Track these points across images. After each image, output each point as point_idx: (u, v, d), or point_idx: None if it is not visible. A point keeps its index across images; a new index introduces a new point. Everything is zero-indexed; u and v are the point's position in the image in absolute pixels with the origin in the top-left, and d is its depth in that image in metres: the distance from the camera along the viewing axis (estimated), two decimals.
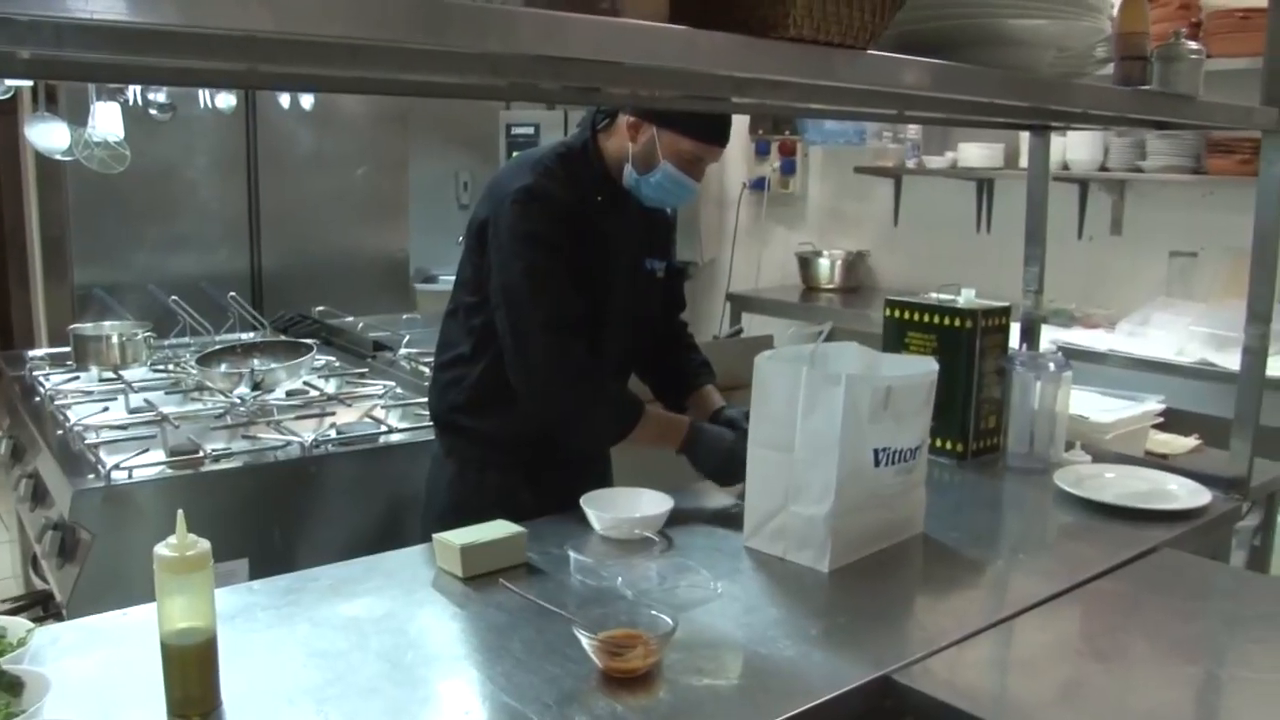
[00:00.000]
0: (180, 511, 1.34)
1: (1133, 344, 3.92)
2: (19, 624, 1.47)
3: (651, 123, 2.10)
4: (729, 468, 2.13)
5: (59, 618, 2.24)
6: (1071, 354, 3.29)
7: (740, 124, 6.01)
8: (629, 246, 2.26)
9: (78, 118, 3.65)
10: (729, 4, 1.17)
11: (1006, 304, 2.57)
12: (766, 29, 1.15)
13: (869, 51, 1.31)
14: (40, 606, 2.69)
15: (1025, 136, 3.48)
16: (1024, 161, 3.47)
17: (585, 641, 1.49)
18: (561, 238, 2.09)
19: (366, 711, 1.38)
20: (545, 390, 2.10)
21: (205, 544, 1.35)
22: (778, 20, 1.14)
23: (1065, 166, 4.43)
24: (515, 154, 2.27)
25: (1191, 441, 2.92)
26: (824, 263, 5.53)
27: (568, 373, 2.10)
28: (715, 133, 2.13)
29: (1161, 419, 2.94)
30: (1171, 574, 1.95)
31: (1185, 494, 2.27)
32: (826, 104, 1.99)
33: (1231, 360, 2.37)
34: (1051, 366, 2.49)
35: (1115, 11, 2.06)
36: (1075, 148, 4.39)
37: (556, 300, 2.08)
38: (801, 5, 1.13)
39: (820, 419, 1.87)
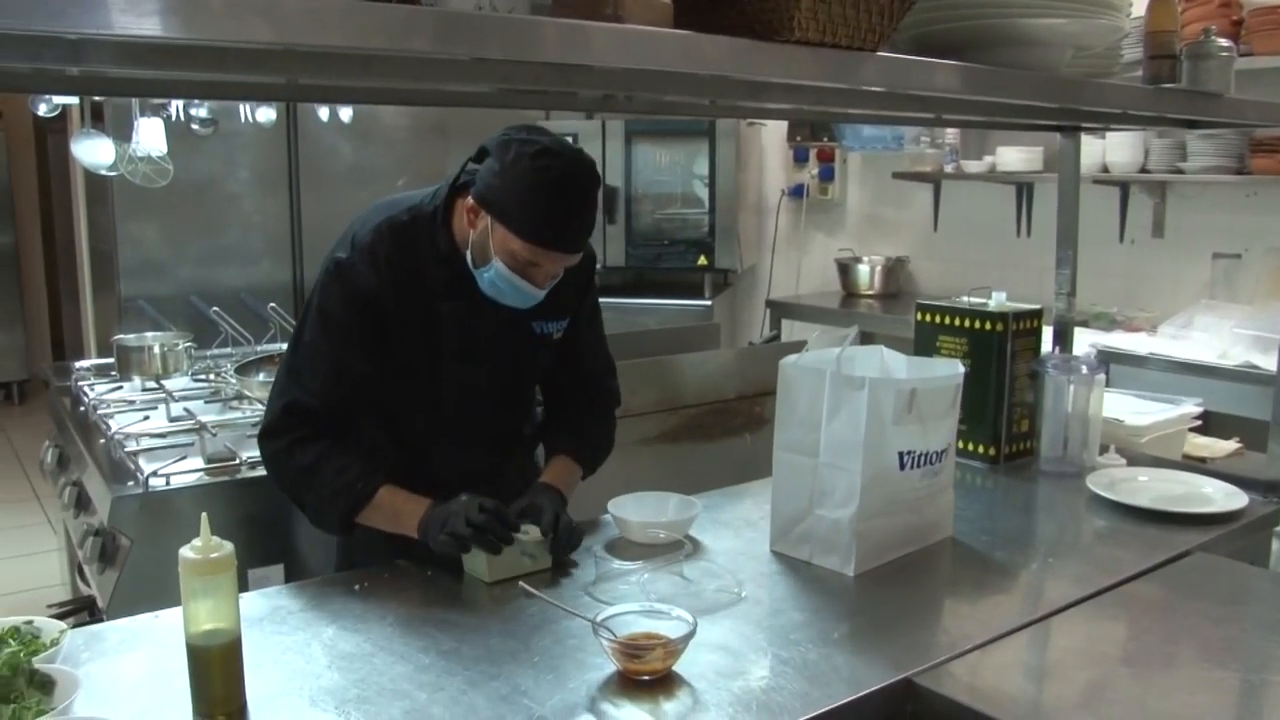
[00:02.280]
0: (204, 515, 1.37)
1: (1175, 347, 3.87)
2: (52, 625, 1.51)
3: (488, 213, 1.85)
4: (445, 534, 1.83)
5: (101, 622, 2.28)
6: (1113, 358, 3.27)
7: (778, 131, 6.05)
8: (503, 315, 1.98)
9: (122, 134, 3.72)
10: (735, 9, 1.18)
11: (1038, 307, 2.55)
12: (771, 33, 1.16)
13: (880, 53, 1.31)
14: (86, 611, 2.74)
15: None
16: None
17: (605, 643, 1.50)
18: (356, 321, 1.92)
19: (388, 713, 1.40)
20: (269, 468, 1.99)
21: (229, 546, 1.38)
22: (782, 24, 1.15)
23: (1105, 169, 4.39)
24: (379, 201, 2.05)
25: (1232, 445, 2.89)
26: (864, 269, 5.51)
27: (283, 473, 1.96)
28: (550, 236, 1.83)
29: (1200, 422, 2.91)
30: (1205, 577, 1.92)
31: (1221, 497, 2.24)
32: (851, 108, 1.99)
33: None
34: (1084, 369, 2.47)
35: (1144, 10, 2.05)
36: (1115, 150, 4.34)
37: (310, 389, 1.93)
38: (806, 8, 1.14)
39: (844, 422, 1.87)
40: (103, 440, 2.71)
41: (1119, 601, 1.81)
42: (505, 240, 1.84)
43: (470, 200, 1.88)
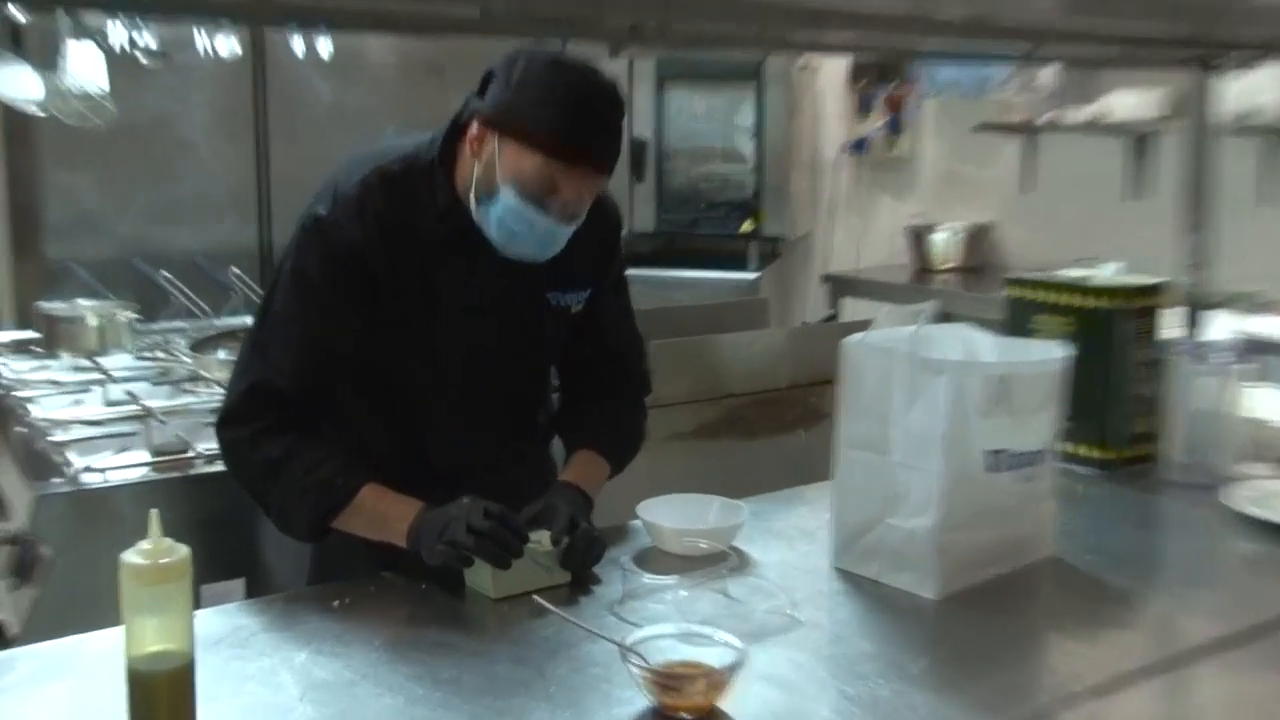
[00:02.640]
0: (154, 511, 1.34)
1: None
2: None
3: (495, 130, 1.85)
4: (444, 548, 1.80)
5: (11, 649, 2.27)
6: (1255, 346, 3.21)
7: (837, 74, 6.03)
8: (511, 279, 1.99)
9: (48, 61, 3.68)
10: None
11: (1160, 280, 2.52)
12: None
13: None
14: None
15: None
16: None
17: (636, 673, 1.48)
18: (337, 288, 1.92)
19: None
20: (228, 461, 1.99)
21: (184, 550, 1.36)
22: None
23: (1246, 115, 4.32)
24: (363, 150, 2.02)
25: None
26: (939, 238, 5.52)
27: (245, 467, 1.96)
28: (568, 147, 1.82)
29: None
30: None
31: None
32: (926, 42, 1.96)
33: None
34: (1220, 358, 2.44)
35: None
36: (1259, 91, 4.27)
37: (280, 368, 1.92)
38: None
39: (921, 414, 1.85)
40: (21, 429, 2.71)
41: (1271, 647, 1.77)
42: (517, 159, 1.83)
43: (475, 128, 1.87)
